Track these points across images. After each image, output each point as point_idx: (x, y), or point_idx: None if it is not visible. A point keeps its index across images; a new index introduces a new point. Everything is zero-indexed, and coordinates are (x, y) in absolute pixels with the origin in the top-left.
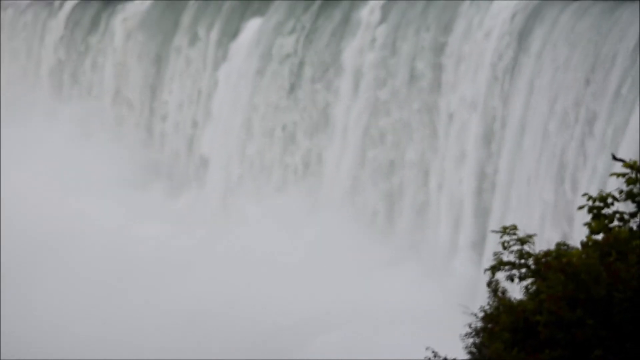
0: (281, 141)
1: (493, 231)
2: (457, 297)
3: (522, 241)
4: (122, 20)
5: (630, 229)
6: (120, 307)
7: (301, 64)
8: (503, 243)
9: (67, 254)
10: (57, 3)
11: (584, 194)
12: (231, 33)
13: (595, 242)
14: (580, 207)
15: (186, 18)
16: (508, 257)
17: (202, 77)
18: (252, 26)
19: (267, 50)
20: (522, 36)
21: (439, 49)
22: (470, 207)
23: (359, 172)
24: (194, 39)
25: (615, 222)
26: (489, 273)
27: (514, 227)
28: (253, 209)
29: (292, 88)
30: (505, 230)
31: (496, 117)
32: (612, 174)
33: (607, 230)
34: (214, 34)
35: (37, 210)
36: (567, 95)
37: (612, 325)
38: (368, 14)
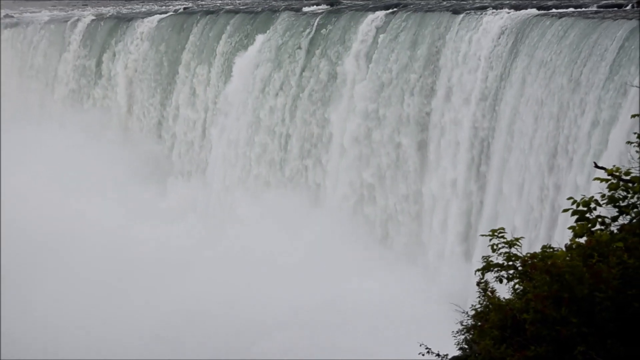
0: None
1: (482, 235)
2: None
3: (510, 244)
4: (124, 68)
5: (611, 232)
6: (120, 307)
7: (288, 136)
8: (492, 246)
9: (67, 254)
10: (66, 38)
11: (569, 198)
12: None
13: (579, 244)
14: (565, 210)
15: (183, 70)
16: (497, 259)
17: (200, 144)
18: (240, 79)
19: (256, 115)
20: (496, 100)
21: (423, 123)
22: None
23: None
24: (192, 96)
25: (597, 226)
26: (479, 274)
27: (503, 230)
28: (253, 209)
29: (282, 164)
30: (494, 234)
31: (474, 204)
32: (595, 179)
33: (590, 233)
34: (211, 92)
35: (38, 211)
36: (532, 184)
37: (595, 323)
38: (354, 65)
